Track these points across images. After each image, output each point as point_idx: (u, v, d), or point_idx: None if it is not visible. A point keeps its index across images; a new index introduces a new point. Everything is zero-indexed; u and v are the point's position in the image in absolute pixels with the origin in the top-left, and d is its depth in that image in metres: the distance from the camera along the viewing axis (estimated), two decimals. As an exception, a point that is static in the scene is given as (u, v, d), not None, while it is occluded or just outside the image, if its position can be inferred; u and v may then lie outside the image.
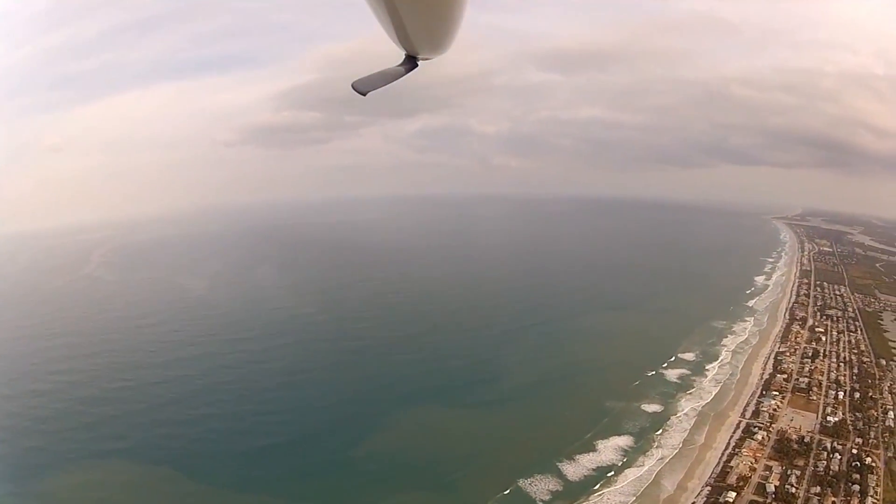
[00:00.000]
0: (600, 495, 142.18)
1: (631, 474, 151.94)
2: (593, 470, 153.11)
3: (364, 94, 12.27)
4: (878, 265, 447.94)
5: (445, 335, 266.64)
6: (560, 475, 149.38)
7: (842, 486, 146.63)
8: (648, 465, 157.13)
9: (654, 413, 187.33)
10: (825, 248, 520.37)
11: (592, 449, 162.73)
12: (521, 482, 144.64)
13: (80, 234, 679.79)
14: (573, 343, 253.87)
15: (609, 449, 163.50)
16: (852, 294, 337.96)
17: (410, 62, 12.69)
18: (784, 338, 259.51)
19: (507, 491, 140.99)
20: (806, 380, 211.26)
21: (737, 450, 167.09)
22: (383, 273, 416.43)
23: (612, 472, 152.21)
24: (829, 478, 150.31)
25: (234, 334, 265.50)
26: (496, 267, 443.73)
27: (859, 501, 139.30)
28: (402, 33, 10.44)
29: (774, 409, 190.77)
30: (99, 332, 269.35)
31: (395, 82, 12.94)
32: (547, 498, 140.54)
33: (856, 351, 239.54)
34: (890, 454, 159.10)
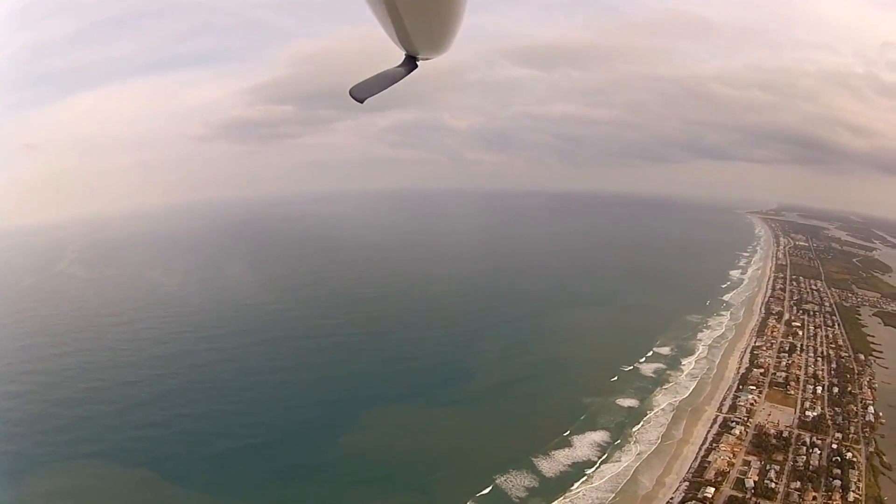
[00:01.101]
0: (579, 493, 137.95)
1: (609, 471, 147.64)
2: (570, 466, 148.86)
3: (361, 102, 12.00)
4: (855, 260, 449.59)
5: (417, 332, 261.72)
6: (538, 473, 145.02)
7: (822, 481, 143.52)
8: (626, 460, 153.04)
9: (631, 408, 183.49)
10: (801, 243, 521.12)
11: (569, 445, 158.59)
12: (498, 481, 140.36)
13: (53, 232, 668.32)
14: (547, 339, 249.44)
15: (586, 445, 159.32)
16: (829, 289, 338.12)
17: (410, 63, 12.58)
18: (760, 332, 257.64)
19: (486, 491, 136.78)
20: (783, 374, 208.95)
21: (714, 445, 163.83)
22: (354, 269, 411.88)
23: (590, 469, 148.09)
24: (810, 473, 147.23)
25: (205, 331, 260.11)
26: (468, 263, 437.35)
27: (841, 497, 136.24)
28: (402, 33, 10.37)
29: (752, 404, 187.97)
30: (72, 330, 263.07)
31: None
32: (524, 496, 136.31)
33: (833, 346, 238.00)
34: (871, 449, 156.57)
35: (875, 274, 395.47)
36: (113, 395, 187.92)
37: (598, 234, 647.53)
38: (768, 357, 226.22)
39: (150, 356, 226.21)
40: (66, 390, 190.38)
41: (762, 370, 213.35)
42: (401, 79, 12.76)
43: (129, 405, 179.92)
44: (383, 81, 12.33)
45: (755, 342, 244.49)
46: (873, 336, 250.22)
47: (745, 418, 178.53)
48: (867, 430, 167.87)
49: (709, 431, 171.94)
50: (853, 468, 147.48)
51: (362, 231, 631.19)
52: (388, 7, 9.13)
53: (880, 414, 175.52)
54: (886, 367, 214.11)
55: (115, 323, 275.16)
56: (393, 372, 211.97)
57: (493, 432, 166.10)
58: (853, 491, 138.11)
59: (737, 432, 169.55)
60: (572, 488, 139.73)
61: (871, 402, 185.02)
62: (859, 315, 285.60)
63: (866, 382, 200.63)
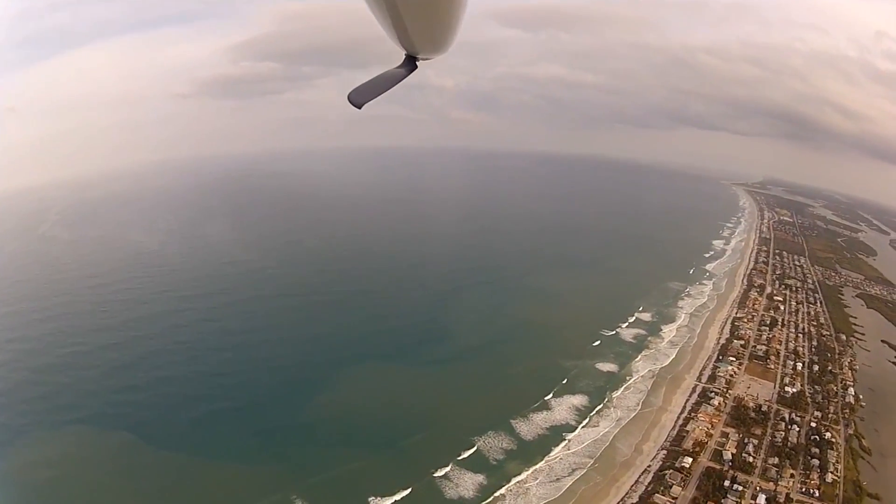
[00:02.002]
0: (557, 458, 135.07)
1: (588, 436, 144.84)
2: (549, 430, 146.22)
3: (359, 107, 11.93)
4: (839, 240, 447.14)
5: (397, 292, 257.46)
6: (517, 437, 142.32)
7: (801, 459, 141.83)
8: (605, 426, 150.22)
9: (611, 374, 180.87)
10: (785, 218, 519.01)
11: (549, 408, 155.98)
12: (478, 444, 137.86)
13: (36, 194, 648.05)
14: (528, 301, 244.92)
15: (566, 409, 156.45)
16: (812, 266, 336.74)
17: (410, 63, 12.47)
18: (742, 304, 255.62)
19: (466, 454, 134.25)
20: (763, 348, 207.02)
21: (693, 414, 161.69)
22: (335, 227, 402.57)
23: (570, 434, 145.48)
24: (788, 449, 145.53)
25: (186, 290, 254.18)
26: (449, 222, 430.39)
27: (819, 477, 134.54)
28: (402, 33, 10.29)
29: (731, 375, 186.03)
30: (53, 294, 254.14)
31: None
32: (504, 459, 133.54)
33: (815, 323, 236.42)
34: (850, 432, 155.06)
35: (860, 256, 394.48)
36: (94, 359, 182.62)
37: (581, 197, 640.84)
38: (749, 329, 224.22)
39: (131, 318, 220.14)
40: (48, 357, 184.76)
41: (742, 342, 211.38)
42: (401, 80, 12.56)
43: (109, 369, 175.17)
44: (383, 84, 12.20)
45: (736, 313, 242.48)
46: (856, 318, 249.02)
47: (725, 389, 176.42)
48: (847, 411, 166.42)
49: (688, 400, 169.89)
50: (832, 449, 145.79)
51: (344, 189, 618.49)
52: (388, 7, 9.06)
53: (860, 396, 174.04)
54: (868, 350, 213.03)
55: (96, 285, 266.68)
56: (373, 331, 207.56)
57: (473, 394, 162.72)
58: (831, 472, 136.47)
59: (716, 403, 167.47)
60: (551, 453, 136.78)
61: (852, 383, 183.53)
62: (842, 295, 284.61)
63: (847, 363, 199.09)
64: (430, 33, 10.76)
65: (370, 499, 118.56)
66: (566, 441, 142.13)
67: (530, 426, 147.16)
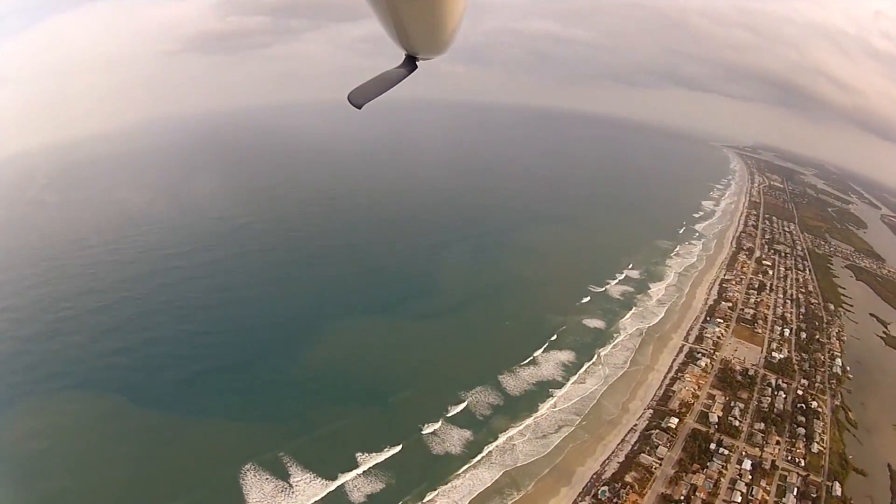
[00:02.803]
0: (544, 415, 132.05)
1: (575, 393, 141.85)
2: (537, 386, 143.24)
3: (359, 108, 11.96)
4: (830, 210, 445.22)
5: (383, 246, 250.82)
6: (506, 393, 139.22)
7: (787, 426, 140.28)
8: (592, 384, 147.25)
9: (599, 331, 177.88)
10: (776, 184, 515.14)
11: (536, 364, 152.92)
12: (466, 400, 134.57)
13: (25, 160, 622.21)
14: (516, 257, 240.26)
15: (553, 365, 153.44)
16: (802, 233, 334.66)
17: (410, 63, 12.60)
18: (730, 266, 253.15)
19: (455, 411, 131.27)
20: (751, 311, 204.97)
21: (679, 374, 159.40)
22: (320, 181, 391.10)
23: (558, 391, 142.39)
24: (774, 416, 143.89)
25: (173, 248, 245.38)
26: (437, 176, 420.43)
27: (805, 446, 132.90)
28: (402, 34, 10.46)
29: (718, 337, 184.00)
30: (42, 259, 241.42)
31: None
32: (492, 415, 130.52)
33: (803, 290, 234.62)
34: (837, 402, 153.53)
35: (850, 227, 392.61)
36: (82, 323, 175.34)
37: (569, 153, 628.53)
38: (737, 292, 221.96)
39: (119, 279, 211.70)
40: (37, 324, 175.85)
41: (730, 304, 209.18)
42: (401, 80, 12.66)
43: (98, 333, 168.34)
44: (383, 84, 12.28)
45: (725, 275, 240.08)
46: (844, 289, 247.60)
47: (712, 351, 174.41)
48: (833, 381, 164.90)
49: (674, 360, 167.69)
50: (818, 419, 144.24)
51: (331, 143, 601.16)
52: (389, 9, 9.25)
53: (847, 368, 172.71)
54: (856, 322, 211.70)
55: (84, 247, 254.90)
56: (360, 286, 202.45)
57: (461, 349, 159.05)
58: (817, 443, 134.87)
59: (702, 364, 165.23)
60: (539, 410, 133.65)
61: (839, 354, 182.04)
62: (831, 265, 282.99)
63: (835, 333, 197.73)
64: (430, 35, 10.67)
65: (358, 455, 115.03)
66: (553, 398, 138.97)
67: (518, 382, 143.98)
